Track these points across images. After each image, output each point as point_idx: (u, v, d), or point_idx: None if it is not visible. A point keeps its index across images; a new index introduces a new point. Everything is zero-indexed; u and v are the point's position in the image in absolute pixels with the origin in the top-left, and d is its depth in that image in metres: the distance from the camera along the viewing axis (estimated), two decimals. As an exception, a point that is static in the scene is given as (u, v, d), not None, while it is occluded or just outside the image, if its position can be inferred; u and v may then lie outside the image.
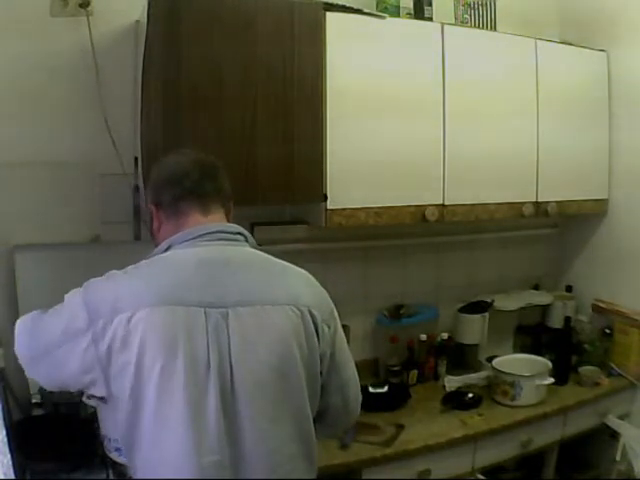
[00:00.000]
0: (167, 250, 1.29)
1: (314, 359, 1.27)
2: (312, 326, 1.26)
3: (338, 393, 1.36)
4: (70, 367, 1.19)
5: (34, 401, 1.86)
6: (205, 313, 1.18)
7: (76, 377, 1.20)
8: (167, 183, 1.35)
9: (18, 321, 1.30)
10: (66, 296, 1.25)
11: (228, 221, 1.38)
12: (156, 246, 1.35)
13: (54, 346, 1.20)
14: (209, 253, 1.27)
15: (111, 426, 1.46)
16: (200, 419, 1.14)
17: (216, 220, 1.35)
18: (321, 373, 1.30)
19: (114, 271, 1.26)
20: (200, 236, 1.29)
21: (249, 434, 1.18)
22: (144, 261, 1.28)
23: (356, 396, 1.42)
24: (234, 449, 1.17)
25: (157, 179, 1.39)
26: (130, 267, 1.26)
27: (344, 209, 2.03)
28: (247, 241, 1.35)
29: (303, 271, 1.36)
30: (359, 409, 1.45)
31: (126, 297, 1.17)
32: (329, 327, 1.31)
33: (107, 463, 1.66)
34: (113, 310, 1.16)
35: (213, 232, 1.30)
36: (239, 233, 1.34)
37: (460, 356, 2.57)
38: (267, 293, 1.25)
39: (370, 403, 2.19)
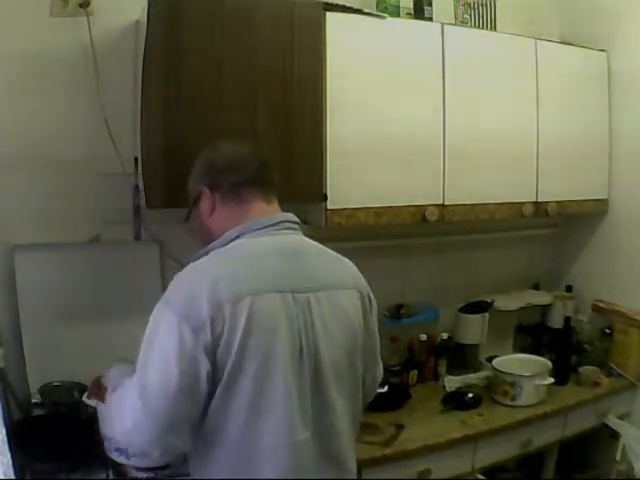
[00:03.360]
0: (236, 238, 1.32)
1: (367, 337, 1.40)
2: (368, 307, 1.40)
3: (372, 370, 1.48)
4: (203, 389, 1.19)
5: (34, 401, 1.86)
6: (294, 299, 1.25)
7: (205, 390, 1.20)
8: (227, 169, 1.38)
9: (105, 409, 1.29)
10: (153, 330, 1.21)
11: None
12: (204, 227, 1.40)
13: (180, 388, 1.17)
14: (283, 241, 1.34)
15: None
16: (296, 400, 1.23)
17: (277, 209, 1.41)
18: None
19: (187, 272, 1.27)
20: (271, 225, 1.34)
21: (330, 411, 1.29)
22: (217, 251, 1.30)
23: (380, 375, 1.54)
24: (319, 426, 1.27)
25: (213, 164, 1.40)
26: (204, 261, 1.28)
27: (344, 209, 2.03)
28: (300, 230, 1.42)
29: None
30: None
31: (222, 291, 1.19)
32: (373, 308, 1.44)
33: (107, 463, 1.66)
34: (214, 309, 1.17)
35: (282, 221, 1.37)
36: (297, 222, 1.41)
37: (460, 356, 2.57)
38: (335, 278, 1.36)
39: (370, 403, 2.19)
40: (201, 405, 1.20)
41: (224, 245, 1.32)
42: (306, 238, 1.40)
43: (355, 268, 1.44)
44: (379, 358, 1.52)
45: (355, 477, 1.41)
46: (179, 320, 1.17)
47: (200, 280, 1.22)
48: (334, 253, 1.42)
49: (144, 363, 1.22)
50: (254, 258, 1.28)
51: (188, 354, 1.16)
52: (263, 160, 1.42)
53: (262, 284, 1.23)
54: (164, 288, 2.09)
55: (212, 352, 1.17)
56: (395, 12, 2.23)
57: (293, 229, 1.39)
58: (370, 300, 1.41)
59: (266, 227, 1.33)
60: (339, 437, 1.32)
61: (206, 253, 1.34)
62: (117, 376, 1.41)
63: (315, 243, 1.40)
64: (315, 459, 1.28)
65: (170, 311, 1.20)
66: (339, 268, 1.40)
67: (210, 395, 1.20)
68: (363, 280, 1.43)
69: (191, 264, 1.30)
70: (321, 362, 1.27)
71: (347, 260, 1.44)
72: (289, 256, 1.31)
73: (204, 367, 1.17)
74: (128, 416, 1.22)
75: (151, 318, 1.23)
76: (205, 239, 1.41)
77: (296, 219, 1.41)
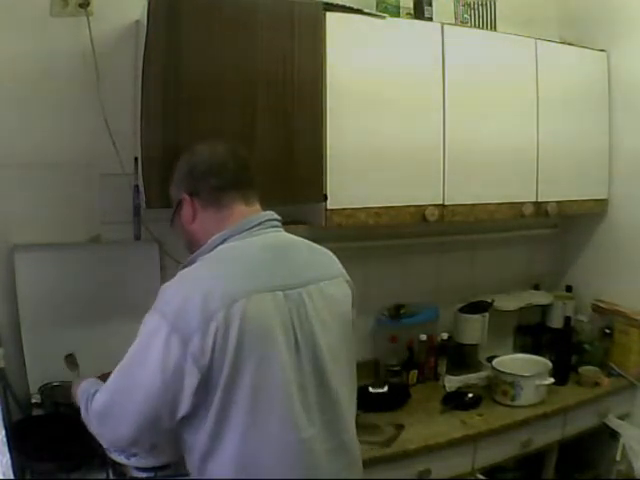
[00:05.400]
0: (222, 243, 1.32)
1: (353, 323, 1.45)
2: (353, 293, 1.45)
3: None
4: (185, 400, 1.19)
5: (34, 401, 1.86)
6: (285, 296, 1.26)
7: (185, 403, 1.20)
8: (205, 173, 1.38)
9: (90, 415, 1.29)
10: (145, 334, 1.22)
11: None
12: (187, 232, 1.41)
13: (157, 397, 1.19)
14: (269, 240, 1.35)
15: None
16: (297, 397, 1.23)
17: (258, 209, 1.41)
18: None
19: (177, 281, 1.27)
20: (257, 225, 1.35)
21: (336, 402, 1.31)
22: (205, 258, 1.31)
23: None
24: (327, 418, 1.29)
25: (192, 169, 1.41)
26: (193, 269, 1.28)
27: (344, 209, 2.03)
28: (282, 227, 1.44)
29: None
30: None
31: (215, 297, 1.19)
32: (354, 294, 1.48)
33: (107, 463, 1.66)
34: (206, 318, 1.17)
35: (266, 220, 1.38)
36: (279, 220, 1.42)
37: (460, 356, 2.56)
38: (324, 269, 1.39)
39: (370, 403, 2.20)
40: (178, 416, 1.21)
41: (210, 251, 1.32)
42: (289, 234, 1.42)
43: (335, 257, 1.47)
44: None
45: (361, 466, 1.42)
46: (169, 330, 1.17)
47: (191, 289, 1.22)
48: (316, 245, 1.45)
49: (128, 369, 1.23)
50: (243, 260, 1.29)
51: (173, 365, 1.17)
52: (241, 160, 1.42)
53: (253, 285, 1.24)
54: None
55: (204, 361, 1.17)
56: (395, 12, 2.23)
57: (277, 227, 1.40)
58: (352, 287, 1.46)
59: (251, 228, 1.34)
60: (347, 427, 1.35)
61: (193, 261, 1.34)
62: (91, 383, 1.42)
63: (298, 238, 1.42)
64: (326, 453, 1.28)
65: (162, 320, 1.19)
66: (325, 259, 1.44)
67: (208, 402, 1.20)
68: (343, 269, 1.46)
69: (180, 273, 1.30)
70: (320, 354, 1.28)
71: (327, 250, 1.47)
72: (277, 254, 1.33)
73: (190, 378, 1.17)
74: (108, 416, 1.27)
75: (142, 327, 1.24)
76: (190, 244, 1.42)
77: (278, 217, 1.41)
